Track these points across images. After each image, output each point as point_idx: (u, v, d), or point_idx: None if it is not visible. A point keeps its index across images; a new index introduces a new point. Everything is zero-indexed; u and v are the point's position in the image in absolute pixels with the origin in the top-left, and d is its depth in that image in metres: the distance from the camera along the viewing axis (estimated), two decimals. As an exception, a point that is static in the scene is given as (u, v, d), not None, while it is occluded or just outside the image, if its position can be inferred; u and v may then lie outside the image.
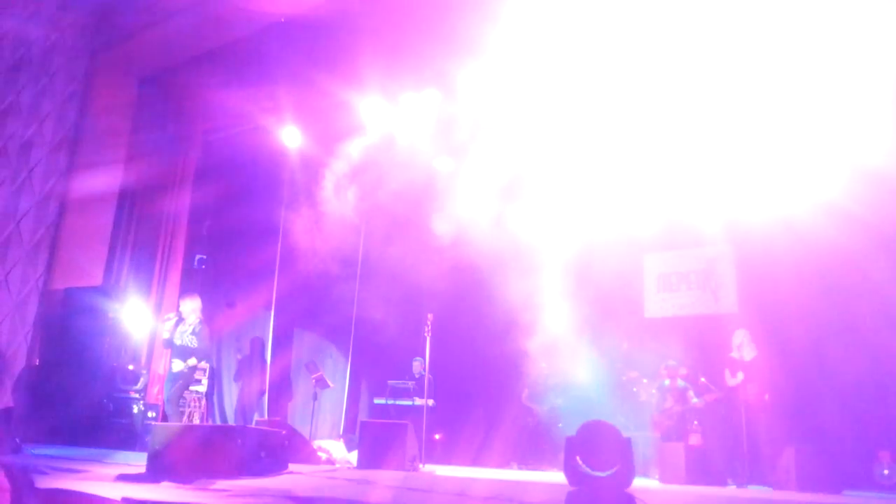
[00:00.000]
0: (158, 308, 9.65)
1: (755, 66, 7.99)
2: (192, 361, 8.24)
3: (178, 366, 8.24)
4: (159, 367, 9.49)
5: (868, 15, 6.92)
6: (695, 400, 9.12)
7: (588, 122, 9.33)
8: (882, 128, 8.14)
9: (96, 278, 9.79)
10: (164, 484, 4.50)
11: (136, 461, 5.74)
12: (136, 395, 8.88)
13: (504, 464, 10.75)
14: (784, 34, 7.53)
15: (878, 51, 7.33)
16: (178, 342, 8.18)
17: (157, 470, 4.95)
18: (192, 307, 8.40)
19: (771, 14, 7.32)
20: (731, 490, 7.29)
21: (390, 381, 10.92)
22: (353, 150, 10.77)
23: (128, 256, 9.95)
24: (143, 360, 9.38)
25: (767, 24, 7.53)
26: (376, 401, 10.95)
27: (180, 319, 8.29)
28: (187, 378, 8.39)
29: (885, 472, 7.95)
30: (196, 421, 9.85)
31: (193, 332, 8.25)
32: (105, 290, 9.26)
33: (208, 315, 10.63)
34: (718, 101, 8.57)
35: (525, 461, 10.54)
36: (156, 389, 9.28)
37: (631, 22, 7.73)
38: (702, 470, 7.28)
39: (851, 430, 8.70)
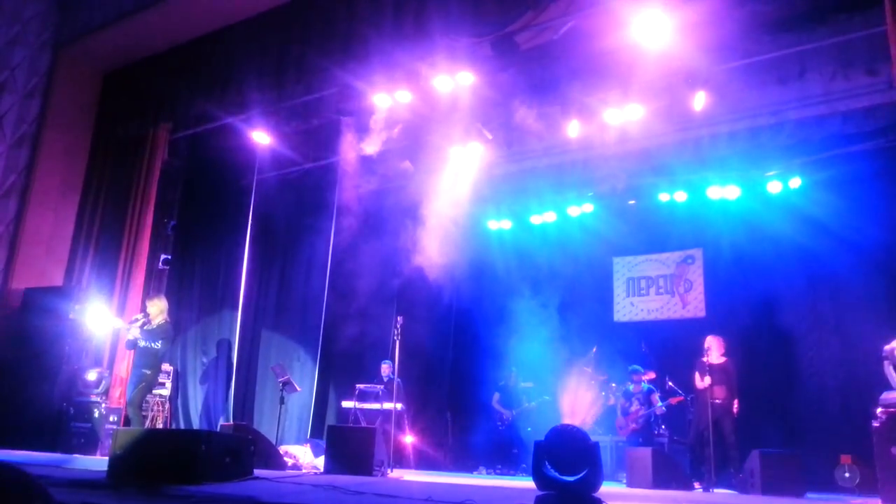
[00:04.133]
0: (121, 309, 9.44)
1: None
2: (148, 372, 8.08)
3: (140, 369, 8.10)
4: (122, 370, 9.30)
5: None
6: (659, 403, 9.19)
7: (556, 120, 9.35)
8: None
9: (57, 278, 9.57)
10: (126, 490, 4.39)
11: (97, 466, 5.61)
12: (98, 399, 8.69)
13: (472, 468, 10.74)
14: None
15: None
16: (142, 344, 8.05)
17: (119, 475, 4.83)
18: (159, 308, 8.28)
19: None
20: (697, 494, 7.35)
21: (359, 385, 10.84)
22: (323, 150, 10.70)
23: (90, 256, 9.72)
24: (105, 362, 9.17)
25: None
26: (344, 405, 10.86)
27: (147, 321, 8.16)
28: (151, 381, 8.23)
29: (847, 475, 8.08)
30: (159, 425, 9.67)
31: (159, 334, 8.11)
32: (66, 291, 9.05)
33: (173, 317, 10.46)
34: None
35: (493, 466, 10.54)
36: (118, 393, 9.07)
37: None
38: (668, 474, 7.33)
39: (815, 433, 8.85)
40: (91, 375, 8.77)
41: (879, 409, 5.26)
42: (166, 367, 9.83)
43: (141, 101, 9.67)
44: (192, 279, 11.11)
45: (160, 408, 9.78)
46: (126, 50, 9.69)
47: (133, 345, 8.17)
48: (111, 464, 4.95)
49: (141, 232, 9.76)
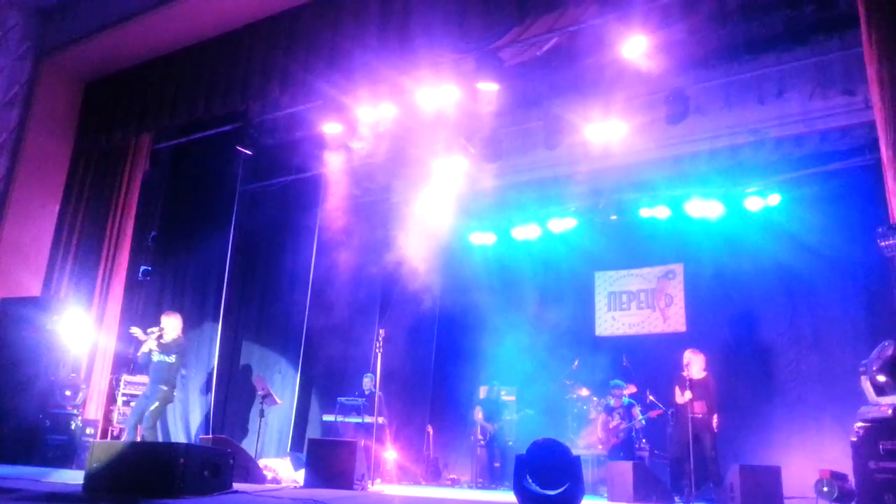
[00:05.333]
0: (100, 320, 9.32)
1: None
2: (164, 388, 8.13)
3: (157, 385, 8.12)
4: (101, 383, 9.19)
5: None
6: (640, 417, 9.23)
7: (539, 135, 9.41)
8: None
9: (34, 289, 9.44)
10: (102, 504, 4.34)
11: (73, 479, 5.53)
12: (75, 411, 8.57)
13: (454, 482, 10.70)
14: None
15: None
16: (156, 358, 8.11)
17: (95, 489, 4.76)
18: (173, 324, 8.36)
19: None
20: (677, 508, 7.37)
21: (340, 398, 10.78)
22: (307, 161, 10.68)
23: (69, 266, 9.60)
24: (83, 374, 9.04)
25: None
26: (325, 418, 10.79)
27: (161, 334, 8.23)
28: (167, 397, 8.25)
29: (826, 489, 8.12)
30: (137, 438, 9.55)
31: (173, 348, 8.20)
32: (43, 302, 8.93)
33: (151, 327, 10.34)
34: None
35: (474, 480, 10.51)
36: (94, 405, 8.96)
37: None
38: (649, 488, 7.35)
39: (794, 448, 8.92)
40: (68, 388, 8.65)
41: (857, 424, 5.31)
42: (144, 378, 9.72)
43: (123, 111, 9.61)
44: (173, 290, 11.00)
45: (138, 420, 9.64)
46: (108, 60, 9.64)
47: (147, 358, 8.22)
48: (87, 477, 4.88)
49: (121, 242, 9.68)
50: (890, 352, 5.34)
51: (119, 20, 8.94)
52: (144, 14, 8.66)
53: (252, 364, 11.29)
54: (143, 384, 9.69)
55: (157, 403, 8.05)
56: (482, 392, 11.02)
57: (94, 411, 8.95)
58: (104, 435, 8.85)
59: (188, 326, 10.82)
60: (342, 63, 7.67)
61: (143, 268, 10.42)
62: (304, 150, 10.60)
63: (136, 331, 8.38)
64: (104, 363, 9.18)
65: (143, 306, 10.46)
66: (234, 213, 10.84)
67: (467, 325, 12.08)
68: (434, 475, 11.31)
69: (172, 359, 8.14)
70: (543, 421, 10.51)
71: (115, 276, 9.55)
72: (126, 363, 9.88)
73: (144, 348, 8.16)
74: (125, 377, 9.56)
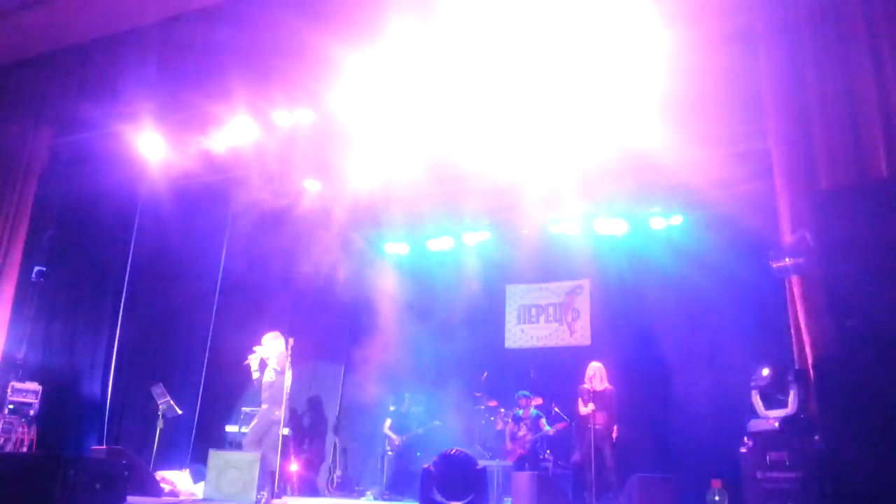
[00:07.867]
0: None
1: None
2: (265, 406, 8.12)
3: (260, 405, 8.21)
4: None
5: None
6: (547, 428, 9.41)
7: (452, 145, 9.45)
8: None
9: (-86, 288, 8.80)
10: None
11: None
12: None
13: (360, 494, 10.61)
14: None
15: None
16: (266, 379, 8.17)
17: (-27, 504, 4.47)
18: (275, 343, 8.29)
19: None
20: (578, 518, 7.54)
21: (245, 408, 10.50)
22: (217, 164, 10.39)
23: (-46, 265, 9.00)
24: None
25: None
26: (228, 428, 10.49)
27: (265, 356, 8.24)
28: (274, 417, 8.04)
29: (717, 498, 8.49)
30: (24, 449, 9.02)
31: (276, 369, 8.14)
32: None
33: (44, 331, 9.83)
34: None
35: (381, 492, 10.44)
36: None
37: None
38: (551, 498, 7.48)
39: (688, 458, 9.28)
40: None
41: (747, 437, 5.60)
42: (34, 385, 9.20)
43: (21, 102, 9.10)
44: (69, 293, 10.45)
45: (25, 430, 9.11)
46: (7, 47, 9.12)
47: (258, 380, 8.28)
48: (-34, 491, 4.56)
49: (13, 241, 9.12)
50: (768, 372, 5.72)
51: (20, 7, 8.48)
52: (45, 4, 8.26)
53: (151, 370, 10.85)
54: (34, 391, 9.17)
55: (264, 422, 8.05)
56: (392, 403, 10.98)
57: (-24, 421, 8.39)
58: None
59: (83, 330, 10.35)
60: (258, 65, 7.53)
61: (37, 268, 9.86)
62: (215, 151, 10.31)
63: (252, 359, 8.37)
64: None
65: (35, 309, 9.90)
66: (136, 214, 10.44)
67: (378, 335, 12.01)
68: (340, 487, 11.17)
69: (274, 378, 8.10)
70: (452, 432, 10.56)
71: (5, 277, 8.98)
72: (14, 369, 9.31)
73: (255, 374, 8.28)
74: (13, 384, 9.00)
